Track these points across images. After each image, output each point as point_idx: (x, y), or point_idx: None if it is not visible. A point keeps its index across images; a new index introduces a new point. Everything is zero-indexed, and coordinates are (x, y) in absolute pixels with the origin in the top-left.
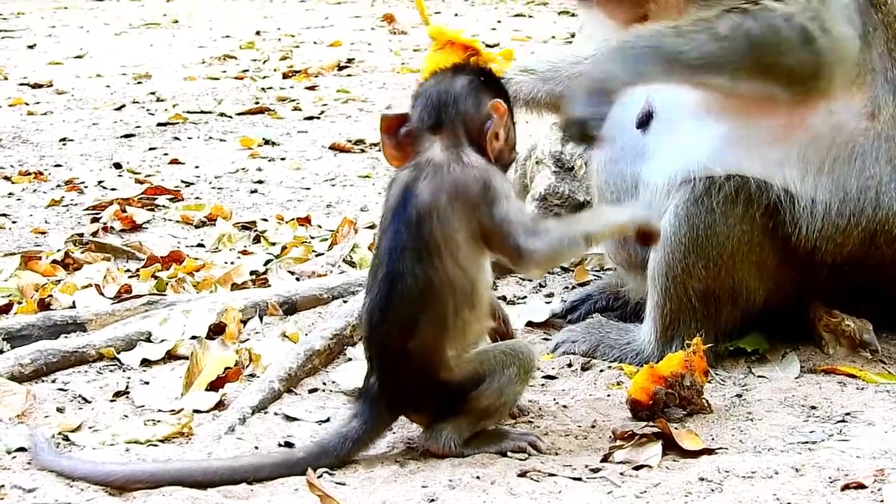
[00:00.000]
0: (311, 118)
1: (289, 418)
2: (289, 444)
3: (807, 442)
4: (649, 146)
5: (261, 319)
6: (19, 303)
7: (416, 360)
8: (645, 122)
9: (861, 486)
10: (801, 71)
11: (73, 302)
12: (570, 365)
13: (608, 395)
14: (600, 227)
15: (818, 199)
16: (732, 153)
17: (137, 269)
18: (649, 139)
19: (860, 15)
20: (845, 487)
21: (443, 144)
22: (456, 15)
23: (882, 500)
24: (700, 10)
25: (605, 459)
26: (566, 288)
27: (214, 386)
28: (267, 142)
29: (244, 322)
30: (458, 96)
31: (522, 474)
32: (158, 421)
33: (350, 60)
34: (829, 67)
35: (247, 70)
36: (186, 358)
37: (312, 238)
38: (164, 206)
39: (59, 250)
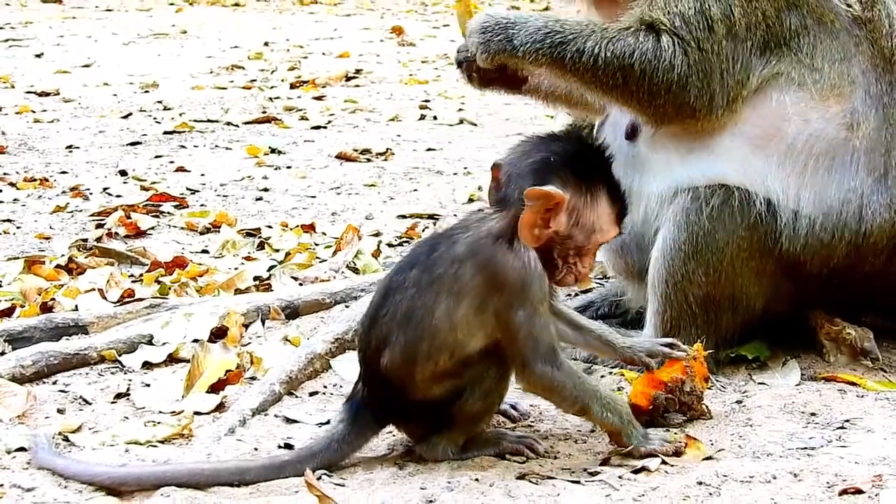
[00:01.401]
0: (317, 128)
1: (289, 420)
2: (288, 446)
3: (806, 448)
4: (640, 156)
5: (263, 323)
6: (22, 306)
7: (390, 379)
8: (633, 132)
9: (859, 492)
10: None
11: (76, 306)
12: None
13: None
14: (602, 412)
15: (801, 212)
16: (717, 163)
17: (141, 275)
18: (640, 149)
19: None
20: (843, 492)
21: (502, 224)
22: None
23: None
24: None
25: (603, 463)
26: (569, 295)
27: (215, 388)
28: (273, 150)
29: (246, 326)
30: (521, 174)
31: (521, 477)
32: (158, 422)
33: (358, 71)
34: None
35: (254, 80)
36: (188, 361)
37: (317, 245)
38: (169, 212)
39: (62, 255)
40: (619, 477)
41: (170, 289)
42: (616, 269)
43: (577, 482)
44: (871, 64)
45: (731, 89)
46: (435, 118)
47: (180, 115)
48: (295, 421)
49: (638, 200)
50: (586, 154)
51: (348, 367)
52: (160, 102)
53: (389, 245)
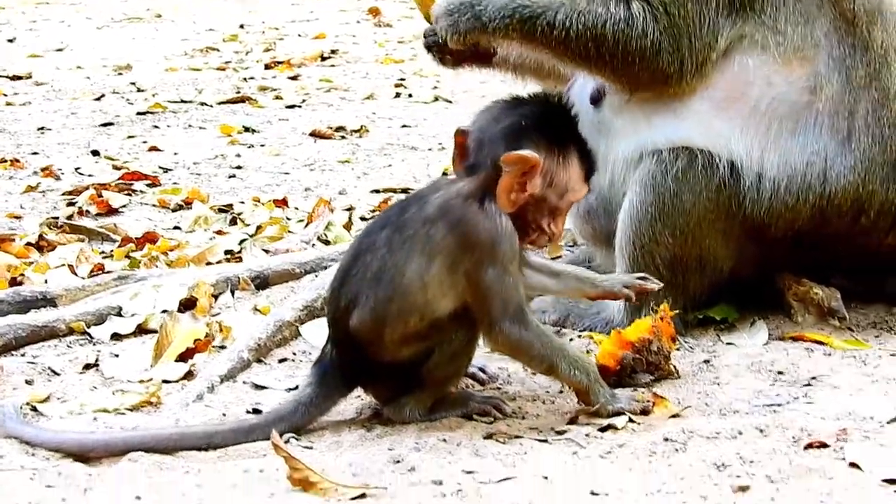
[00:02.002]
0: (292, 107)
1: (257, 387)
2: (257, 412)
3: (772, 405)
4: (605, 121)
5: (232, 294)
6: None
7: (359, 340)
8: (597, 98)
9: (823, 446)
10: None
11: (45, 280)
12: None
13: None
14: (569, 371)
15: (765, 174)
16: (681, 126)
17: (111, 251)
18: (605, 114)
19: None
20: (808, 447)
21: (472, 186)
22: None
23: (844, 459)
24: None
25: (571, 422)
26: None
27: (184, 357)
28: (247, 129)
29: (215, 297)
30: (493, 140)
31: (488, 437)
32: (127, 391)
33: (334, 52)
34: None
35: (229, 61)
36: (156, 331)
37: (289, 219)
38: (141, 191)
39: (33, 233)
40: (587, 435)
41: (140, 263)
42: (584, 235)
43: (545, 441)
44: (833, 26)
45: (700, 53)
46: (410, 96)
47: (153, 96)
48: (263, 387)
49: (604, 165)
50: (554, 115)
51: (317, 334)
52: (133, 84)
53: (362, 218)
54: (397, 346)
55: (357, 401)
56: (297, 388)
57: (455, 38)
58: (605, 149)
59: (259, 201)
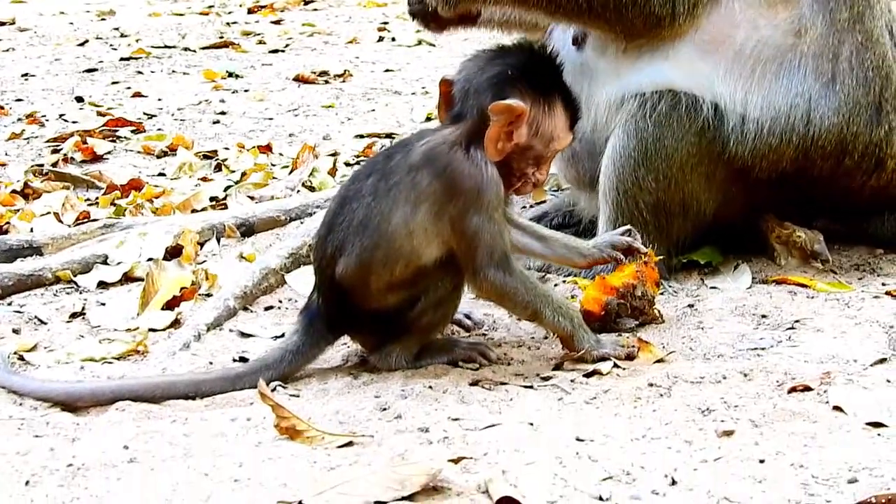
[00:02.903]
0: (275, 51)
1: (244, 335)
2: (243, 360)
3: (756, 348)
4: (588, 64)
5: (218, 241)
6: None
7: (344, 288)
8: (580, 39)
9: (807, 389)
10: None
11: (31, 229)
12: None
13: None
14: (553, 317)
15: (749, 116)
16: (665, 68)
17: (97, 198)
18: (587, 57)
19: None
20: (792, 390)
21: (458, 134)
22: None
23: (827, 402)
24: None
25: (556, 368)
26: (523, 207)
27: (170, 305)
28: (230, 74)
29: (201, 244)
30: (479, 89)
31: (474, 383)
32: (113, 340)
33: None
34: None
35: (212, 6)
36: (143, 280)
37: (273, 165)
38: (125, 137)
39: (18, 181)
40: (572, 381)
41: (125, 211)
42: (569, 179)
43: (530, 387)
44: None
45: None
46: (393, 40)
47: (137, 41)
48: (250, 335)
49: (587, 108)
50: (539, 64)
51: (303, 282)
52: (117, 30)
53: (346, 164)
54: (383, 294)
55: (343, 348)
56: (283, 335)
57: (447, 8)
58: (588, 92)
59: (243, 147)
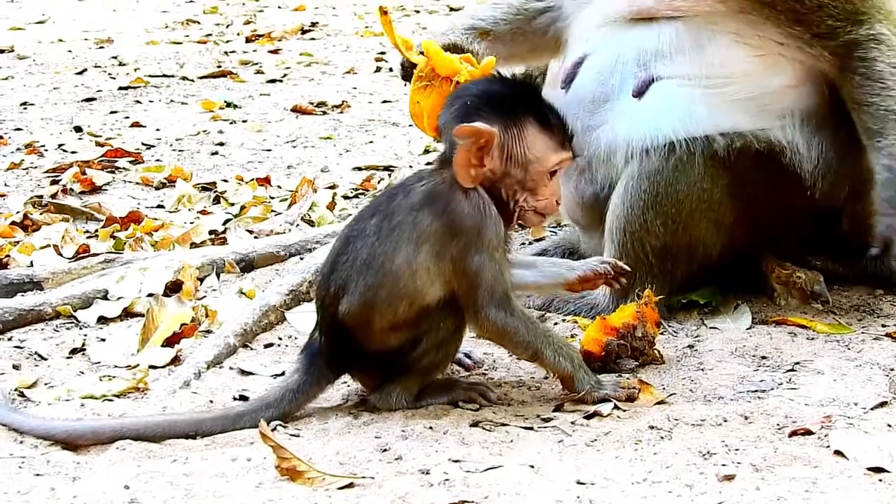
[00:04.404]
0: (273, 81)
1: (244, 373)
2: (244, 398)
3: (756, 391)
4: (600, 100)
5: (218, 277)
6: None
7: (347, 327)
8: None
9: (808, 433)
10: None
11: (31, 262)
12: None
13: None
14: (554, 358)
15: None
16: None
17: (96, 230)
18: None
19: None
20: (793, 434)
21: (452, 174)
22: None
23: (828, 446)
24: None
25: (557, 409)
26: (522, 244)
27: (170, 342)
28: (229, 104)
29: (201, 280)
30: (447, 125)
31: (474, 424)
32: (114, 377)
33: (314, 24)
34: None
35: (210, 34)
36: (143, 315)
37: (272, 198)
38: (124, 168)
39: (17, 212)
40: (572, 423)
41: (125, 244)
42: (573, 218)
43: (531, 428)
44: None
45: None
46: (391, 70)
47: (135, 70)
48: (250, 373)
49: (597, 147)
50: (506, 90)
51: (303, 319)
52: (115, 58)
53: (345, 197)
54: (386, 334)
55: (344, 387)
56: (283, 374)
57: None
58: (597, 129)
59: (242, 180)
